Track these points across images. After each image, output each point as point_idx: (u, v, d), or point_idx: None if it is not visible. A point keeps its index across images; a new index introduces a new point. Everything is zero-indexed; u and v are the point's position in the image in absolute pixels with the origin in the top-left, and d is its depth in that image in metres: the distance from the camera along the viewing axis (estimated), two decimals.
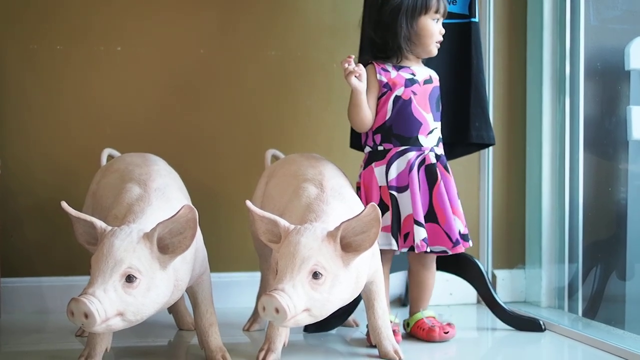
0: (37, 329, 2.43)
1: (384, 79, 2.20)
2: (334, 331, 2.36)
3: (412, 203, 2.14)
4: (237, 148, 2.77)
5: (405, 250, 2.16)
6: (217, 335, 2.01)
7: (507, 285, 2.86)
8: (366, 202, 2.14)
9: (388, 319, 2.07)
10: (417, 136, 2.19)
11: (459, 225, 2.17)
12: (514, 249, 2.89)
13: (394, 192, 2.16)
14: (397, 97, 2.19)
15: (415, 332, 2.27)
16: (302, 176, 2.06)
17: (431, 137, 2.21)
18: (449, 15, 2.36)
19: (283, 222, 1.83)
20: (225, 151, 2.77)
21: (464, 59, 2.44)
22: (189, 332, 2.36)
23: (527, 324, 2.39)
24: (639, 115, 2.53)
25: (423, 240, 2.13)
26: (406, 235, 2.15)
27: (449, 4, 2.40)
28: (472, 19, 2.45)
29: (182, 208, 1.73)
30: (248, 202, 1.86)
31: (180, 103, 2.75)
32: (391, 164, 2.18)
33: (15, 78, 2.65)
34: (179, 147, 2.71)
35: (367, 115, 2.18)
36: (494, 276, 2.84)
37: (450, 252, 2.18)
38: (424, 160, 2.18)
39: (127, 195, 1.94)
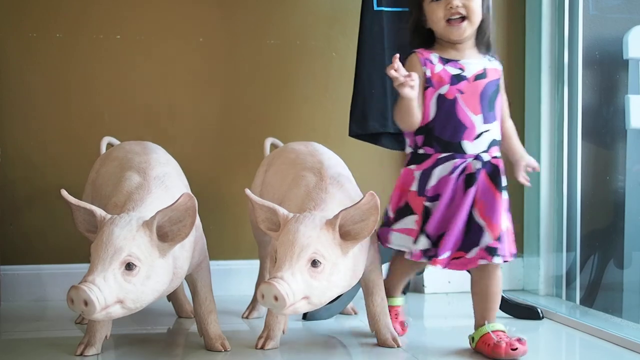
0: (37, 316, 2.43)
1: (428, 73, 1.95)
2: (332, 319, 2.37)
3: (436, 212, 1.92)
4: (236, 136, 2.77)
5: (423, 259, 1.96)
6: (216, 323, 2.02)
7: (505, 274, 2.83)
8: (395, 203, 2.01)
9: (386, 307, 2.08)
10: (460, 142, 1.94)
11: (487, 238, 1.89)
12: None
13: (427, 203, 1.94)
14: (441, 96, 1.94)
15: (480, 349, 1.98)
16: (301, 164, 2.06)
17: (478, 142, 1.94)
18: None
19: (282, 210, 1.83)
20: (224, 139, 2.77)
21: None
22: (188, 320, 2.37)
23: (525, 312, 2.40)
24: (637, 104, 2.53)
25: (424, 252, 1.95)
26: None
27: None
28: None
29: (181, 196, 1.74)
30: (247, 191, 1.87)
31: (179, 91, 2.75)
32: (431, 172, 1.95)
33: (15, 66, 2.65)
34: (178, 135, 2.72)
35: (417, 118, 1.95)
36: None
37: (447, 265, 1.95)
38: (466, 168, 1.93)
39: (126, 183, 1.95)
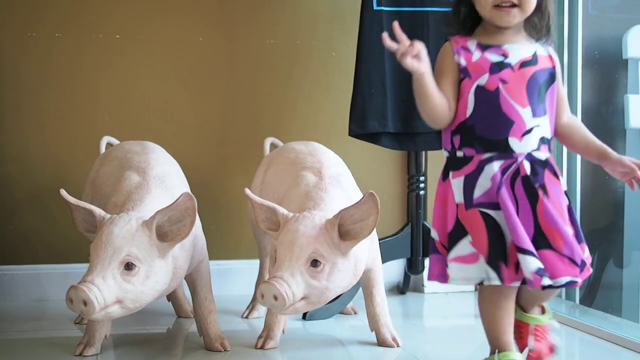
0: (36, 316, 2.43)
1: (463, 62, 1.67)
2: (332, 319, 2.37)
3: (510, 226, 1.59)
4: (236, 136, 2.77)
5: (517, 284, 1.61)
6: (216, 323, 2.02)
7: None
8: (440, 223, 1.69)
9: (386, 307, 2.08)
10: (507, 138, 1.63)
11: (582, 252, 1.65)
12: None
13: (486, 210, 1.62)
14: (480, 88, 1.65)
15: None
16: (301, 164, 2.06)
17: (528, 139, 1.63)
18: (442, 3, 2.35)
19: (282, 210, 1.83)
20: (224, 139, 2.77)
21: None
22: (188, 320, 2.37)
23: None
24: (636, 104, 2.53)
25: (537, 272, 1.57)
26: (517, 265, 1.59)
27: None
28: None
29: (181, 196, 1.74)
30: (247, 190, 1.87)
31: (179, 91, 2.74)
32: (477, 177, 1.64)
33: (13, 65, 2.64)
34: (178, 135, 2.71)
35: (438, 105, 1.65)
36: None
37: (579, 282, 1.63)
38: (518, 171, 1.63)
39: (126, 183, 1.95)
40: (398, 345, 2.04)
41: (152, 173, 1.97)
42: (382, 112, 2.41)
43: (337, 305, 2.36)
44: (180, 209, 1.75)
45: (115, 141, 2.42)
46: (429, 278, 1.70)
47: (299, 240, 1.75)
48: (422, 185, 2.66)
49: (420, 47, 1.60)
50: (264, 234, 2.13)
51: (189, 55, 2.75)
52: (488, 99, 1.64)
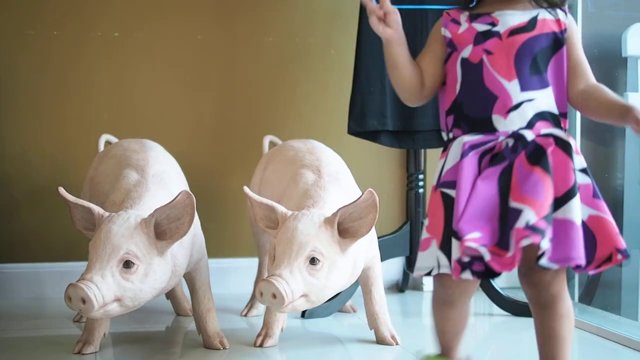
0: (35, 314, 2.43)
1: (448, 35, 1.52)
2: (331, 317, 2.37)
3: (455, 203, 1.40)
4: (235, 134, 2.77)
5: (467, 275, 1.39)
6: (215, 321, 2.02)
7: None
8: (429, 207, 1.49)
9: (385, 305, 2.08)
10: (490, 117, 1.46)
11: (527, 216, 1.34)
12: None
13: (446, 190, 1.44)
14: (464, 61, 1.49)
15: None
16: (300, 162, 2.06)
17: (514, 117, 1.45)
18: (442, 1, 2.35)
19: (280, 208, 1.83)
20: (223, 137, 2.77)
21: None
22: (187, 318, 2.37)
23: (524, 310, 2.40)
24: (635, 102, 2.52)
25: (457, 260, 1.38)
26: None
27: None
28: None
29: (179, 194, 1.74)
30: (246, 188, 1.87)
31: (178, 89, 2.74)
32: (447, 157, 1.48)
33: (11, 63, 2.64)
34: (177, 133, 2.71)
35: (406, 78, 1.52)
36: None
37: (497, 269, 1.37)
38: (493, 149, 1.44)
39: (124, 181, 1.95)
40: (397, 344, 2.04)
41: (151, 171, 1.97)
42: (381, 110, 2.41)
43: (336, 303, 2.36)
44: (178, 207, 1.75)
45: (113, 139, 2.42)
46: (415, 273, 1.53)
47: (297, 238, 1.75)
48: (421, 183, 2.66)
49: (390, 11, 1.52)
50: (263, 232, 2.13)
51: (187, 53, 2.74)
52: (472, 72, 1.49)
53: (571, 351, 1.50)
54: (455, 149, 1.46)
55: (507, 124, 1.45)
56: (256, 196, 1.86)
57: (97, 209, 1.78)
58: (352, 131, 2.46)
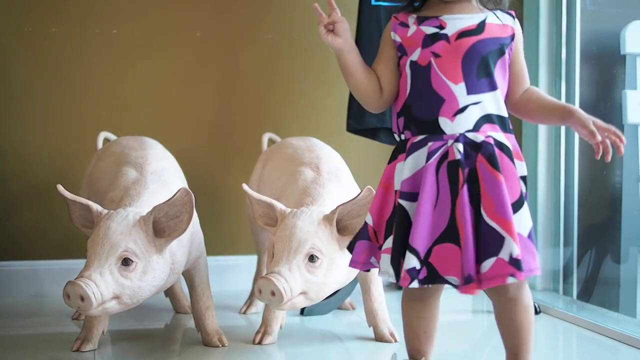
0: (34, 312, 2.43)
1: (398, 39, 1.53)
2: (330, 314, 2.37)
3: (414, 222, 1.44)
4: (234, 131, 2.77)
5: (415, 284, 1.44)
6: (214, 318, 2.02)
7: None
8: (377, 209, 1.52)
9: (384, 302, 2.08)
10: (437, 119, 1.48)
11: (509, 246, 1.39)
12: None
13: (403, 202, 1.47)
14: (413, 64, 1.51)
15: None
16: (299, 160, 2.06)
17: (461, 119, 1.46)
18: None
19: (279, 205, 1.83)
20: (222, 134, 2.77)
21: None
22: (186, 315, 2.37)
23: None
24: (634, 100, 2.53)
25: (409, 270, 1.42)
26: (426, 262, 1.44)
27: None
28: None
29: (178, 191, 1.74)
30: (245, 186, 1.87)
31: (177, 86, 2.74)
32: (406, 162, 1.49)
33: (10, 60, 2.64)
34: (175, 130, 2.71)
35: (362, 85, 1.54)
36: None
37: (458, 288, 1.45)
38: (446, 155, 1.46)
39: (123, 178, 1.95)
40: (396, 341, 2.04)
41: (150, 168, 1.97)
42: None
43: (335, 300, 2.36)
44: (177, 205, 1.75)
45: (112, 137, 2.42)
46: (352, 265, 1.55)
47: (296, 236, 1.75)
48: None
49: (337, 20, 1.52)
50: (262, 229, 2.12)
51: (186, 51, 2.74)
52: (421, 75, 1.50)
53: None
54: (418, 156, 1.47)
55: (454, 127, 1.47)
56: (255, 194, 1.86)
57: (95, 206, 1.78)
58: (351, 129, 2.46)
